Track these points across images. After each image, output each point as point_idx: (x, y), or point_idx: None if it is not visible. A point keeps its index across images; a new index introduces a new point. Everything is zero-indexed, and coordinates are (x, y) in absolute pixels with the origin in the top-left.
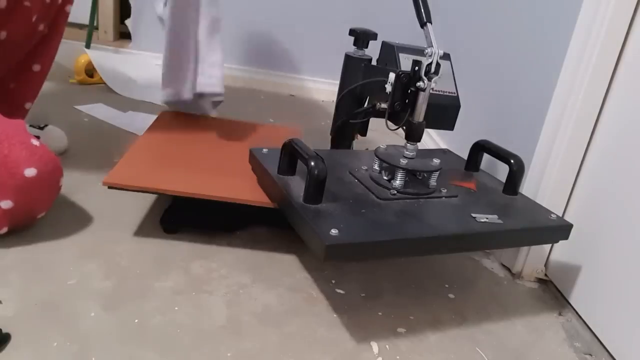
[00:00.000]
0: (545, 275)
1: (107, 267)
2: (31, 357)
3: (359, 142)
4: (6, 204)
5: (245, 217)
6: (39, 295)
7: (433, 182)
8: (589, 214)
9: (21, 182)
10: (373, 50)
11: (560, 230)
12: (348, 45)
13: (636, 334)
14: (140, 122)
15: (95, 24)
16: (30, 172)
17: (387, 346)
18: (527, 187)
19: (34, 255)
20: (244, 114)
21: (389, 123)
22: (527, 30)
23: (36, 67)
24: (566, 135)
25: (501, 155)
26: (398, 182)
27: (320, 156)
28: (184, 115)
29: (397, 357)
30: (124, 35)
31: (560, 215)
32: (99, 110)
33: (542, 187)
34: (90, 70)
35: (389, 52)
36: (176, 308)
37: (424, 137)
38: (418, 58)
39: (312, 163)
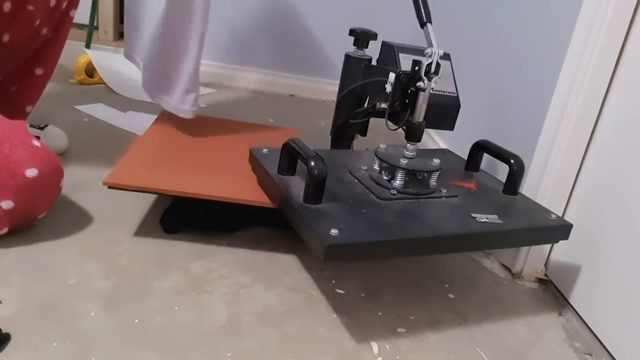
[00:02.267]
0: (545, 275)
1: (107, 267)
2: (31, 357)
3: (359, 142)
4: (7, 204)
5: (245, 217)
6: (39, 295)
7: (433, 182)
8: (589, 214)
9: (22, 183)
10: (373, 50)
11: (560, 230)
12: (348, 45)
13: (636, 334)
14: (140, 122)
15: (95, 24)
16: (31, 172)
17: (387, 346)
18: (527, 187)
19: (34, 255)
20: (244, 114)
21: (389, 123)
22: (528, 30)
23: (38, 71)
24: (566, 135)
25: (501, 155)
26: (398, 182)
27: (320, 156)
28: None
29: (397, 357)
30: (124, 35)
31: (560, 215)
32: (99, 110)
33: (542, 187)
34: (90, 70)
35: (389, 52)
36: (176, 308)
37: (424, 137)
38: (418, 58)
39: (312, 163)
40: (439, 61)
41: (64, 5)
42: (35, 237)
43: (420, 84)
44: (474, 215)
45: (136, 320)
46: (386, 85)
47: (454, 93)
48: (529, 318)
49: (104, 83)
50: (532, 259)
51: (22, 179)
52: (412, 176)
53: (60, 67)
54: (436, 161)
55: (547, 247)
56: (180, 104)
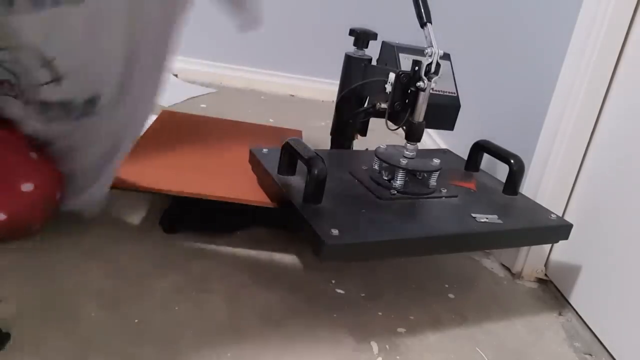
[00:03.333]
0: (545, 275)
1: (107, 267)
2: (31, 357)
3: (359, 142)
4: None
5: (245, 217)
6: (39, 295)
7: (433, 182)
8: (589, 214)
9: (17, 197)
10: (373, 50)
11: (560, 230)
12: (348, 45)
13: (636, 334)
14: None
15: None
16: (27, 187)
17: (387, 346)
18: (527, 187)
19: (34, 255)
20: (244, 114)
21: (389, 123)
22: (527, 30)
23: None
24: (566, 135)
25: (501, 155)
26: (398, 182)
27: (320, 156)
28: (184, 115)
29: (397, 357)
30: None
31: (560, 215)
32: None
33: (542, 187)
34: None
35: (389, 52)
36: (176, 308)
37: (424, 137)
38: (418, 58)
39: (312, 163)
40: (439, 61)
41: None
42: (35, 237)
43: (420, 84)
44: (474, 215)
45: (136, 320)
46: (386, 85)
47: (454, 93)
48: (529, 318)
49: None
50: (532, 259)
51: (17, 193)
52: (412, 176)
53: None
54: (436, 161)
55: (547, 247)
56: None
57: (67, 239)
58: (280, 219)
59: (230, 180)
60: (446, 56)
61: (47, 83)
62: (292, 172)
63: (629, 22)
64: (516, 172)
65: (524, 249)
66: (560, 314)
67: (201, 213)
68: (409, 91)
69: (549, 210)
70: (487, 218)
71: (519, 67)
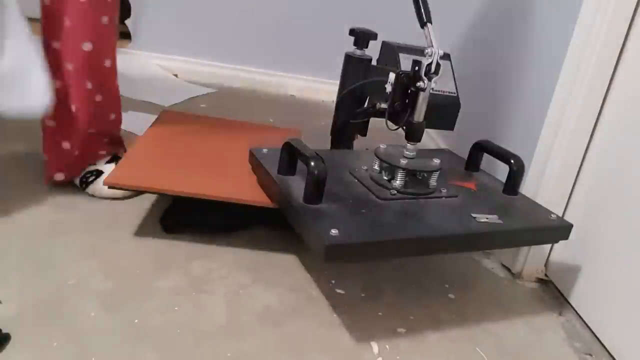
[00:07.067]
0: (545, 275)
1: (107, 267)
2: (31, 357)
3: (359, 142)
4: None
5: (245, 217)
6: (39, 295)
7: (433, 182)
8: (589, 214)
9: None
10: (373, 50)
11: (560, 230)
12: (348, 45)
13: (636, 334)
14: (140, 122)
15: None
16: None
17: (387, 346)
18: (527, 187)
19: (34, 256)
20: (244, 114)
21: (389, 123)
22: (528, 30)
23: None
24: (566, 135)
25: (501, 155)
26: (398, 182)
27: (320, 156)
28: (184, 115)
29: (397, 357)
30: (123, 35)
31: (560, 215)
32: None
33: (542, 187)
34: None
35: (389, 52)
36: (176, 308)
37: (424, 137)
38: (418, 58)
39: (312, 163)
40: (439, 61)
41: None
42: (35, 237)
43: (420, 84)
44: (474, 215)
45: (136, 320)
46: (386, 85)
47: (454, 93)
48: (529, 318)
49: None
50: (532, 259)
51: None
52: (412, 176)
53: None
54: (436, 161)
55: (547, 247)
56: None
57: (67, 239)
58: (280, 219)
59: (230, 180)
60: (446, 56)
61: None
62: (292, 172)
63: (629, 22)
64: (516, 172)
65: (524, 249)
66: (560, 314)
67: (201, 213)
68: (409, 91)
69: (549, 211)
70: (487, 218)
71: (519, 67)
